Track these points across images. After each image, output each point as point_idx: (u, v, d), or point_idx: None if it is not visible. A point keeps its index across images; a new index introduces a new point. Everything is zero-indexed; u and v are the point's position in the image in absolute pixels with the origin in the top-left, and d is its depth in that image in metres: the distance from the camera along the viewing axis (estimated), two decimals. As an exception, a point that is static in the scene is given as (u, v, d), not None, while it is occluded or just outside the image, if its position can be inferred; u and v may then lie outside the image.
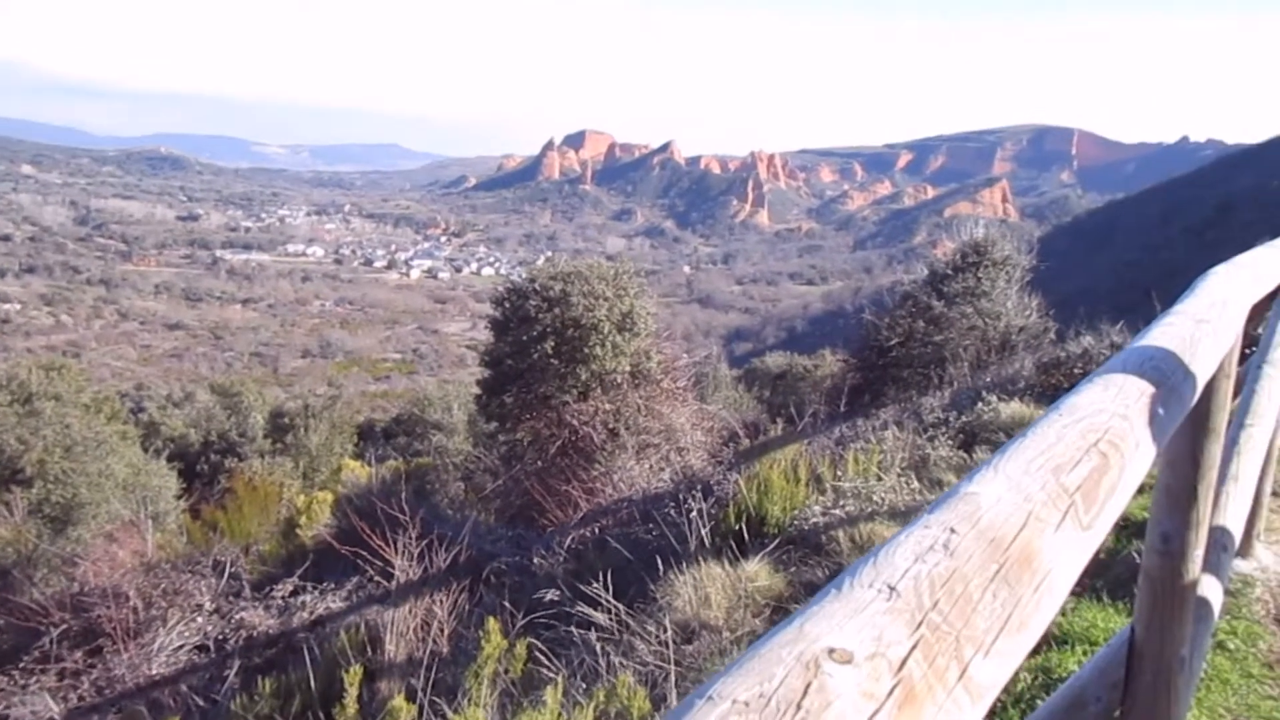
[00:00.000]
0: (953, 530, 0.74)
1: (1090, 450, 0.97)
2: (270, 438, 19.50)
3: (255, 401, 20.75)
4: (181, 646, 7.32)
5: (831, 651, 0.57)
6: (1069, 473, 0.91)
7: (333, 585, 8.10)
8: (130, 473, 14.14)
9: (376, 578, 6.63)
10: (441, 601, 5.78)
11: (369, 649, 5.69)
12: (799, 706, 0.52)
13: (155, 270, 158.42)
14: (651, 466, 9.31)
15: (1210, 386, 1.80)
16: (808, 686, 0.53)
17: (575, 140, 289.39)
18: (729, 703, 0.52)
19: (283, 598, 8.16)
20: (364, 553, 6.40)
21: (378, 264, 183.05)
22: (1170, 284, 2.09)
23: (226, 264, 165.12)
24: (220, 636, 7.61)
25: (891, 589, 0.65)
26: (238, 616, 7.89)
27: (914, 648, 0.60)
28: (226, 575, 8.60)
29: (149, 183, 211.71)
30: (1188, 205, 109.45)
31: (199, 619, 7.78)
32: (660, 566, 5.04)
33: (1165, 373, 1.28)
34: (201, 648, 7.40)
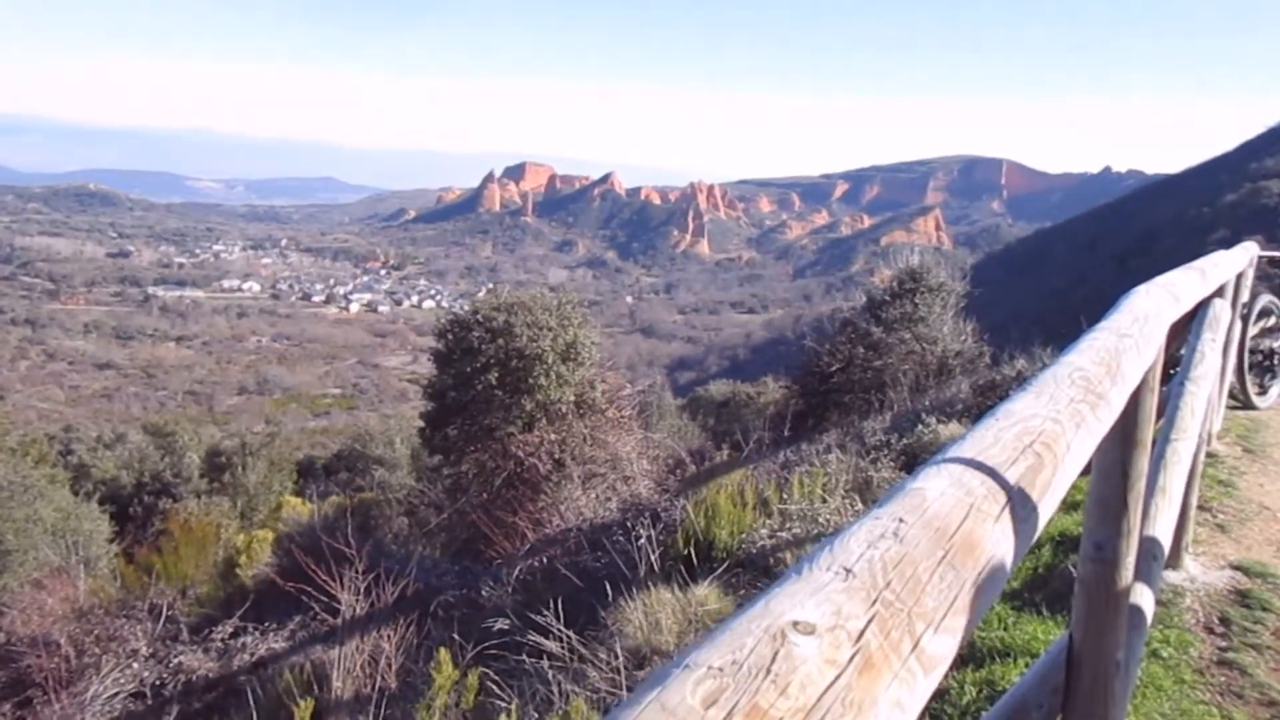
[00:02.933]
0: (901, 520, 0.79)
1: (1026, 450, 1.04)
2: (206, 477, 19.05)
3: (190, 441, 20.27)
4: (117, 694, 7.10)
5: (796, 624, 0.61)
6: (1007, 470, 0.97)
7: (275, 625, 7.93)
8: (59, 517, 13.72)
9: (321, 615, 6.52)
10: (389, 637, 5.71)
11: (315, 688, 5.58)
12: (768, 671, 0.56)
13: (84, 309, 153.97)
14: (598, 496, 9.29)
15: (1135, 399, 1.89)
16: (775, 654, 0.58)
17: (515, 172, 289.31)
18: (704, 669, 0.56)
19: (222, 640, 7.97)
20: (308, 589, 6.29)
21: (316, 298, 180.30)
22: (1097, 309, 2.19)
23: (159, 301, 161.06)
24: (158, 682, 7.40)
25: (848, 571, 0.69)
26: (175, 661, 7.68)
27: (870, 621, 0.65)
28: (163, 619, 8.37)
29: (77, 219, 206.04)
30: (1112, 233, 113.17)
31: (135, 665, 7.56)
32: (610, 593, 5.05)
33: (1092, 382, 1.36)
34: (138, 694, 7.19)
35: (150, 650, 7.77)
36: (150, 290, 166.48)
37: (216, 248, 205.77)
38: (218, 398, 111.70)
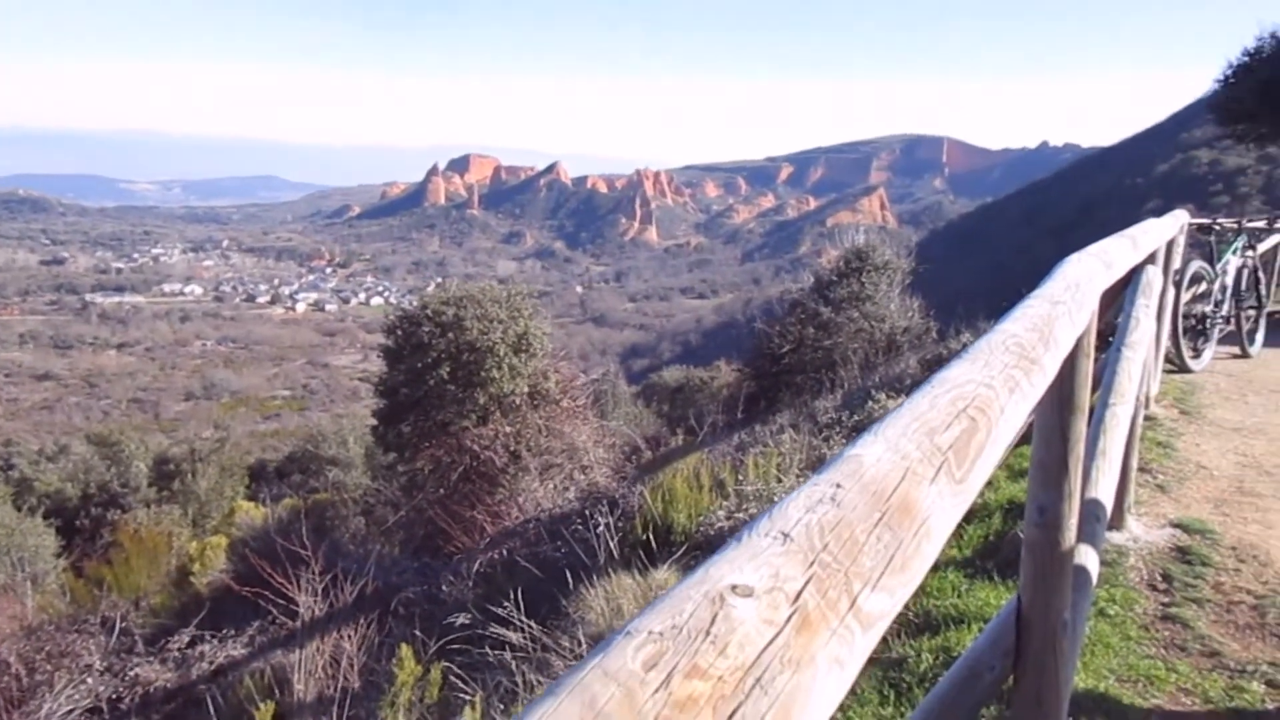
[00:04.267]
0: (839, 485, 0.81)
1: (960, 415, 1.07)
2: (155, 486, 18.68)
3: (137, 450, 19.85)
4: (72, 711, 6.96)
5: (734, 587, 0.63)
6: (941, 434, 1.00)
7: (233, 631, 7.83)
8: (2, 534, 13.41)
9: (280, 618, 6.45)
10: (350, 637, 5.67)
11: (277, 692, 5.53)
12: (708, 633, 0.58)
13: (19, 319, 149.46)
14: (556, 486, 9.30)
15: (1071, 364, 1.94)
16: (715, 616, 0.60)
17: (460, 165, 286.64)
18: (645, 634, 0.57)
19: (179, 649, 7.85)
20: (266, 593, 6.22)
21: (261, 299, 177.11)
22: (1038, 280, 2.24)
23: (97, 308, 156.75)
24: (114, 696, 7.27)
25: (786, 535, 0.71)
26: (132, 673, 7.55)
27: (808, 582, 0.67)
28: (116, 631, 8.22)
29: (7, 227, 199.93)
30: (1051, 206, 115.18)
31: (89, 680, 7.41)
32: (571, 582, 5.07)
33: (1025, 348, 1.39)
34: (94, 710, 7.06)
35: (105, 664, 7.63)
36: (88, 297, 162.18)
37: (155, 251, 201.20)
38: (163, 404, 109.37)
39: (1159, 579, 4.05)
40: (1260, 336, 9.00)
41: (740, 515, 5.60)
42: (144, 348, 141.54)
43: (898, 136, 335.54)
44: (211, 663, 7.50)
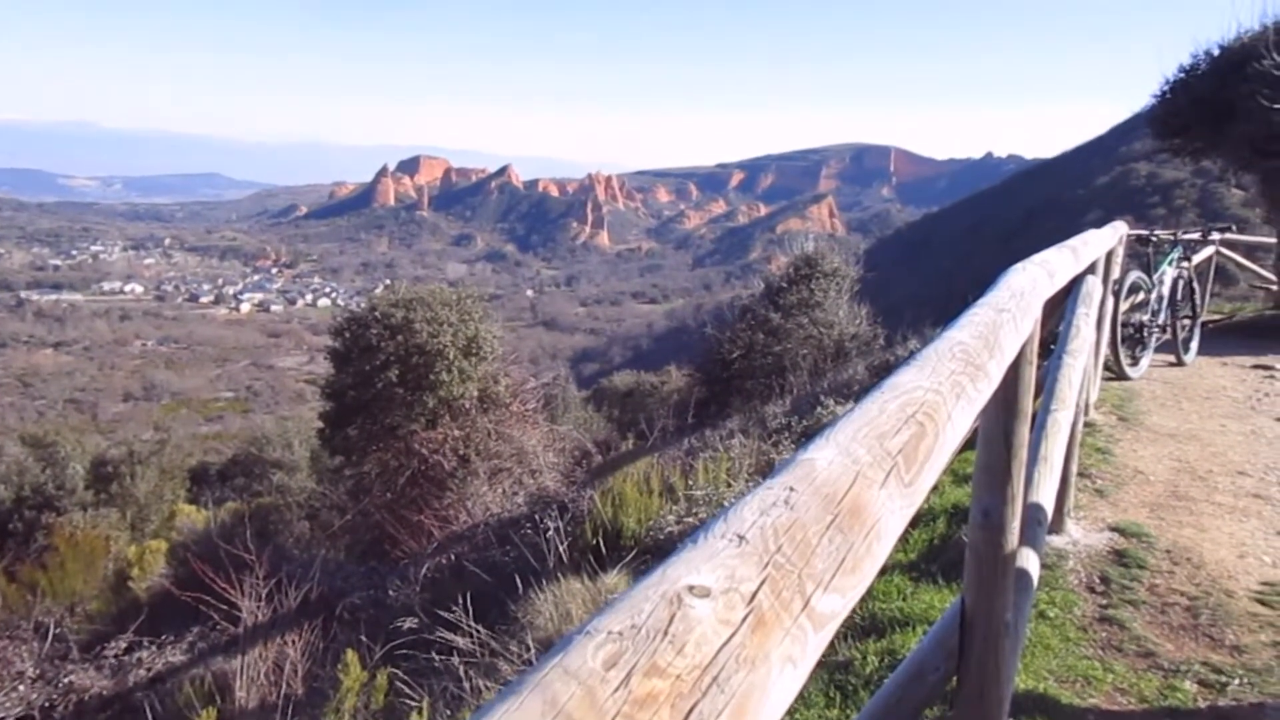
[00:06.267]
0: (792, 489, 0.83)
1: (909, 420, 1.09)
2: (92, 489, 18.16)
3: (73, 451, 19.26)
4: (4, 719, 6.78)
5: (691, 588, 0.64)
6: (891, 439, 1.03)
7: (172, 637, 7.67)
8: (-69, 537, 12.97)
9: (221, 624, 6.34)
10: (294, 642, 5.59)
11: (218, 699, 5.42)
12: (666, 633, 0.59)
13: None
14: (505, 490, 9.27)
15: (1015, 371, 1.99)
16: (673, 616, 0.61)
17: (410, 166, 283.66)
18: (604, 634, 0.58)
19: (116, 656, 7.67)
20: (207, 598, 6.11)
21: (204, 299, 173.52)
22: (982, 288, 2.28)
23: (33, 305, 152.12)
24: (47, 704, 7.09)
25: (741, 538, 0.73)
26: (66, 681, 7.36)
27: (762, 584, 0.69)
28: (50, 638, 8.02)
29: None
30: (996, 216, 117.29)
31: (21, 688, 7.22)
32: (520, 587, 5.05)
33: (972, 354, 1.43)
34: (27, 718, 6.88)
35: (37, 671, 7.43)
36: (23, 294, 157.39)
37: (95, 248, 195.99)
38: (102, 405, 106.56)
39: (1097, 581, 4.15)
40: (1195, 345, 9.28)
41: (690, 519, 5.62)
42: (82, 347, 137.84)
43: (846, 145, 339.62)
44: (150, 669, 7.34)
